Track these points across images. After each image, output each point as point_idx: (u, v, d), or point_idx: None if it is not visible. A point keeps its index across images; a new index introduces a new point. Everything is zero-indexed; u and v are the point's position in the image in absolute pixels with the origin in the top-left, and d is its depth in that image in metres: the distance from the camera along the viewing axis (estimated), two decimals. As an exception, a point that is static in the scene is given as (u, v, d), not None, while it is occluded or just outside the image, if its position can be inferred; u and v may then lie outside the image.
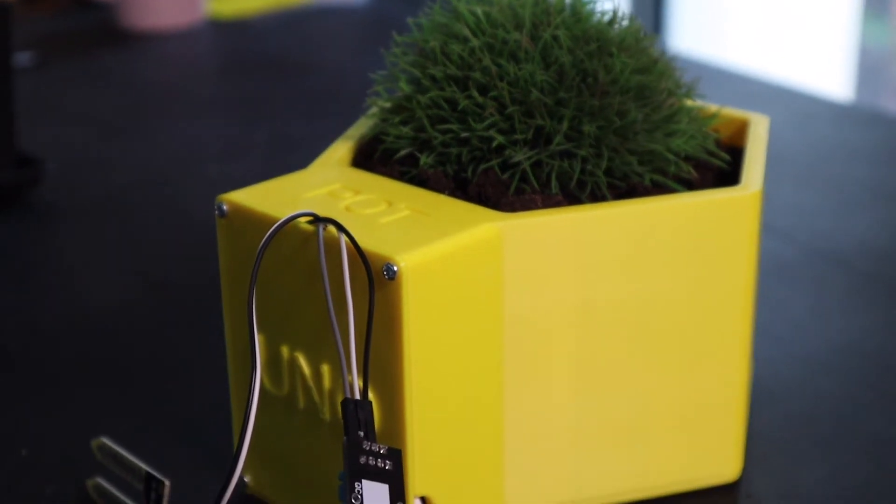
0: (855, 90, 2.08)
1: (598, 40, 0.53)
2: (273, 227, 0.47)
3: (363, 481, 0.41)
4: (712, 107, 0.58)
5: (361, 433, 0.43)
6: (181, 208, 0.89)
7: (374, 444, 0.43)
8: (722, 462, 0.54)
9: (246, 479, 0.54)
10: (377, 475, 0.42)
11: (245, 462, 0.47)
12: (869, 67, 2.07)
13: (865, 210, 0.84)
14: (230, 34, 1.37)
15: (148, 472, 0.51)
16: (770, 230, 0.80)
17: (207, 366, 0.65)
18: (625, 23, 0.55)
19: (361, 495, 0.41)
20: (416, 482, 0.47)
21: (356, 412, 0.43)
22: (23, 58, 1.20)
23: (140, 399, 0.63)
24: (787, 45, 2.24)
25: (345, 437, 0.43)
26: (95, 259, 0.81)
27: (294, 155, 0.97)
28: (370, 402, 0.44)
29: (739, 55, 2.17)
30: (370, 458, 0.42)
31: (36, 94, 1.11)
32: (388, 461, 0.42)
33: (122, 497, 0.53)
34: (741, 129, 0.59)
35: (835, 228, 0.81)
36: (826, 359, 0.65)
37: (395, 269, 0.45)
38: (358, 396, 0.44)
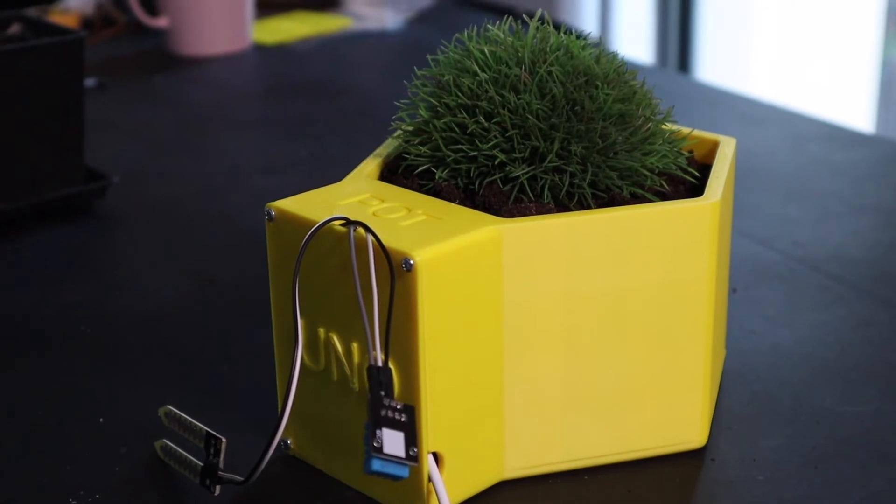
0: (877, 110, 2.16)
1: (585, 75, 0.63)
2: (312, 229, 0.57)
3: (383, 429, 0.51)
4: (685, 129, 0.68)
5: (383, 392, 0.53)
6: (229, 216, 0.99)
7: (392, 400, 0.53)
8: (690, 430, 0.63)
9: (288, 442, 0.64)
10: (394, 425, 0.52)
11: (287, 427, 0.57)
12: (893, 88, 2.14)
13: (841, 221, 0.93)
14: (273, 59, 1.45)
15: (207, 432, 0.61)
16: (753, 238, 0.90)
17: (252, 349, 0.75)
18: (610, 59, 0.65)
19: (382, 440, 0.51)
20: (429, 439, 0.57)
21: (379, 376, 0.53)
22: (86, 81, 1.30)
23: (195, 377, 0.72)
24: (812, 70, 2.31)
25: (369, 395, 0.53)
26: (154, 260, 0.91)
27: (331, 170, 1.06)
28: (390, 369, 0.54)
29: (765, 83, 2.25)
30: (389, 411, 0.52)
31: (97, 113, 1.21)
32: (403, 414, 0.52)
33: (185, 454, 0.62)
34: (713, 148, 0.69)
35: (812, 237, 0.90)
36: (791, 348, 0.74)
37: (412, 262, 0.55)
38: (380, 364, 0.54)
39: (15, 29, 1.00)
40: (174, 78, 1.39)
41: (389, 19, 1.55)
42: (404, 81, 0.67)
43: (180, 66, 1.42)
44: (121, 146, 1.16)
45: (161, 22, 1.44)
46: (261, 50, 1.48)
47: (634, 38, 2.47)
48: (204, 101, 1.33)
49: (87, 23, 1.51)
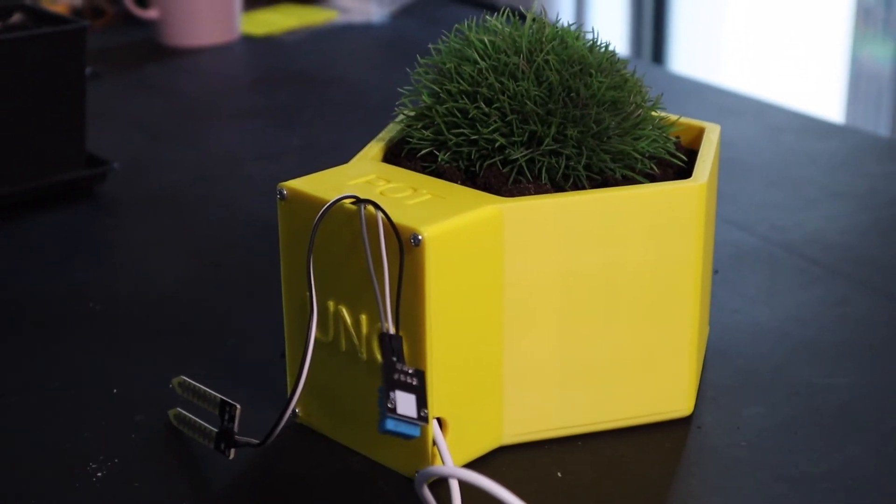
0: (846, 103, 2.21)
1: (580, 63, 0.66)
2: (325, 206, 0.60)
3: (396, 392, 0.55)
4: (672, 116, 0.71)
5: (395, 358, 0.56)
6: (226, 201, 1.01)
7: (404, 365, 0.56)
8: (678, 400, 0.67)
9: (296, 411, 0.67)
10: (407, 388, 0.55)
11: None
12: (861, 82, 2.19)
13: (818, 207, 0.97)
14: (262, 51, 1.48)
15: (222, 399, 0.64)
16: (734, 223, 0.94)
17: (255, 326, 0.78)
18: (603, 49, 0.69)
19: (395, 402, 0.55)
20: (433, 405, 0.60)
21: (391, 343, 0.57)
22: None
23: (202, 351, 0.76)
24: (785, 65, 2.35)
25: (382, 360, 0.56)
26: (156, 242, 0.94)
27: (323, 158, 1.09)
28: (400, 337, 0.58)
29: (737, 76, 2.29)
30: (401, 375, 0.55)
31: (92, 102, 1.23)
32: (414, 378, 0.56)
33: (199, 421, 0.66)
34: (699, 135, 0.72)
35: (790, 222, 0.94)
36: (770, 326, 0.78)
37: (420, 237, 0.58)
38: (392, 332, 0.57)
39: (17, 18, 1.03)
40: (165, 68, 1.41)
41: (374, 12, 1.59)
42: (406, 69, 0.70)
43: (171, 57, 1.44)
44: (116, 134, 1.19)
45: (151, 13, 1.47)
46: (249, 41, 1.51)
47: (609, 30, 2.51)
48: (196, 90, 1.35)
49: (76, 13, 1.53)
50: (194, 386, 0.67)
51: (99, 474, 0.63)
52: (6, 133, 0.96)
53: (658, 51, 2.51)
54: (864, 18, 2.18)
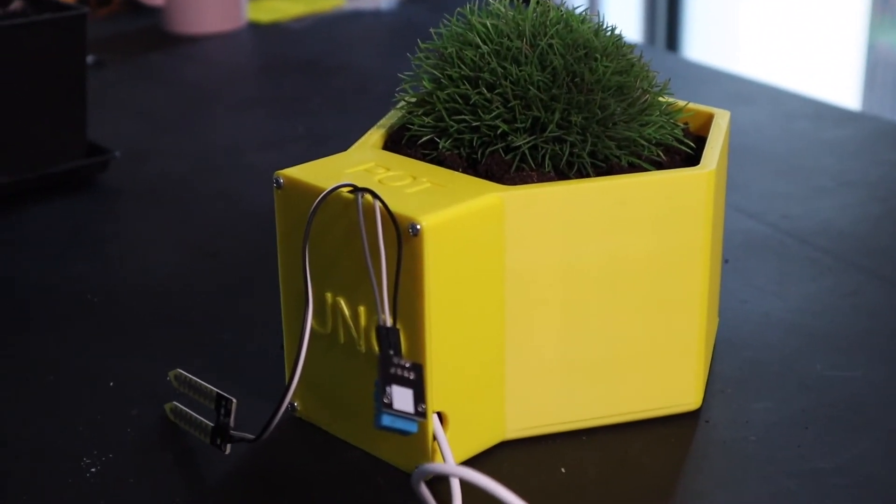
0: (863, 90, 2.18)
1: (585, 47, 0.64)
2: (321, 195, 0.59)
3: (393, 386, 0.53)
4: (680, 102, 0.70)
5: (391, 352, 0.55)
6: (228, 191, 1.00)
7: (401, 359, 0.54)
8: (685, 393, 0.65)
9: (295, 405, 0.66)
10: (404, 382, 0.54)
11: (295, 391, 0.59)
12: (878, 70, 2.17)
13: (829, 196, 0.95)
14: (268, 38, 1.47)
15: (218, 393, 0.63)
16: (744, 211, 0.92)
17: (254, 318, 0.77)
18: (608, 33, 0.67)
19: (392, 396, 0.53)
20: (433, 399, 0.58)
21: (388, 336, 0.55)
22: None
23: (200, 344, 0.74)
24: (799, 50, 2.33)
25: (379, 354, 0.55)
26: (156, 232, 0.93)
27: (327, 146, 1.07)
28: (398, 329, 0.56)
29: (752, 63, 2.27)
30: (398, 369, 0.54)
31: (96, 90, 1.22)
32: (412, 372, 0.54)
33: (195, 415, 0.64)
34: (708, 121, 0.71)
35: (801, 211, 0.92)
36: (780, 317, 0.76)
37: (419, 227, 0.56)
38: (389, 325, 0.56)
39: (17, 5, 1.01)
40: (171, 56, 1.40)
41: (383, -1, 1.57)
42: (407, 54, 0.68)
43: (176, 45, 1.43)
44: (120, 122, 1.17)
45: (157, 0, 1.45)
46: (255, 28, 1.49)
47: (623, 16, 2.49)
48: (201, 78, 1.34)
49: (81, 1, 1.52)
50: (191, 379, 0.65)
51: (93, 469, 0.62)
52: (6, 122, 0.95)
53: (672, 37, 2.48)
54: (882, 6, 2.16)
